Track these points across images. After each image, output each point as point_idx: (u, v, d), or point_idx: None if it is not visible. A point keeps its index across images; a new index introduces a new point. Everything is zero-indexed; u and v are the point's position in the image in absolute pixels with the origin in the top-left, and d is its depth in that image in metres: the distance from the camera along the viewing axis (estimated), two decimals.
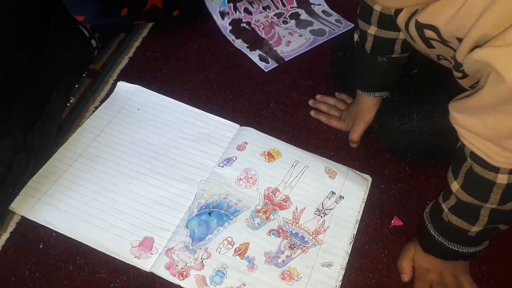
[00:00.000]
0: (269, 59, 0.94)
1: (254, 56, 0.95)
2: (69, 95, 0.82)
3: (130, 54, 0.93)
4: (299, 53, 0.96)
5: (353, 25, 1.03)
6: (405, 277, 0.66)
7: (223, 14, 0.99)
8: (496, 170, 0.51)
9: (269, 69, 0.93)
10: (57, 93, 0.75)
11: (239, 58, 0.94)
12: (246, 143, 0.78)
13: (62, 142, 0.76)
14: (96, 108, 0.82)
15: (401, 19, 0.58)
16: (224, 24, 0.99)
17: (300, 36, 1.00)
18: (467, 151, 0.53)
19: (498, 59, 0.41)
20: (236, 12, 1.00)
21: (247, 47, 0.96)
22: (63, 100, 0.78)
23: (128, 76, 0.89)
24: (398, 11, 0.58)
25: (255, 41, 0.97)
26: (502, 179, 0.51)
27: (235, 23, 1.00)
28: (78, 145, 0.76)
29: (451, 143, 0.59)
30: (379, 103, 0.78)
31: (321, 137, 0.82)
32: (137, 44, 0.95)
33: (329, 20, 1.04)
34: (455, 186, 0.57)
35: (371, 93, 0.77)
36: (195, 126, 0.80)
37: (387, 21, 0.67)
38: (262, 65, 0.93)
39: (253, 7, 1.02)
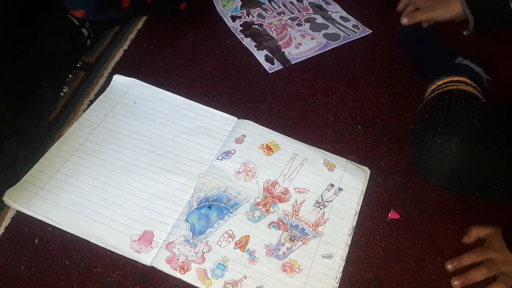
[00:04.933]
0: (275, 60, 0.92)
1: (260, 56, 0.93)
2: (63, 84, 0.81)
3: (125, 46, 0.91)
4: (308, 57, 0.94)
5: (371, 31, 1.01)
6: (466, 238, 0.69)
7: (234, 18, 0.98)
8: None
9: (273, 70, 0.90)
10: (48, 80, 0.74)
11: (235, 51, 0.94)
12: (244, 136, 0.78)
13: (58, 136, 0.75)
14: (91, 101, 0.81)
15: None
16: (234, 26, 0.98)
17: (312, 39, 0.97)
18: None
19: None
20: (248, 16, 0.99)
21: (255, 46, 0.94)
22: (56, 88, 0.78)
23: (123, 69, 0.88)
24: None
25: (263, 40, 0.95)
26: None
27: (246, 25, 0.98)
28: (75, 139, 0.75)
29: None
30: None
31: (318, 130, 0.82)
32: (132, 36, 0.93)
33: (346, 25, 1.02)
34: None
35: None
36: (193, 119, 0.80)
37: None
38: (266, 65, 0.91)
39: (266, 13, 1.00)
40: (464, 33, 0.82)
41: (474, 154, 0.67)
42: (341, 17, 1.04)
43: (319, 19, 1.02)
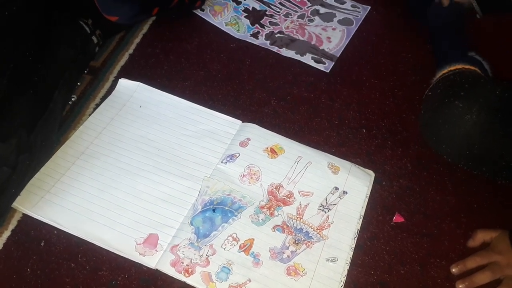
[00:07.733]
0: (323, 59, 0.93)
1: (308, 60, 0.93)
2: (71, 93, 0.82)
3: (131, 50, 0.92)
4: (344, 47, 0.96)
5: (369, 6, 1.05)
6: (471, 242, 0.69)
7: (255, 35, 0.98)
8: None
9: (329, 69, 0.92)
10: (59, 91, 0.74)
11: (240, 54, 0.94)
12: (249, 139, 0.78)
13: (64, 140, 0.76)
14: (97, 105, 0.82)
15: None
16: (262, 42, 0.97)
17: (334, 29, 1.00)
18: None
19: None
20: (265, 28, 0.99)
21: (296, 53, 0.94)
22: (65, 98, 0.78)
23: (129, 72, 0.88)
24: None
25: (298, 45, 0.96)
26: None
27: (270, 36, 0.98)
28: (80, 142, 0.75)
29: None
30: None
31: (322, 134, 0.82)
32: (137, 40, 0.94)
33: (346, 7, 1.04)
34: None
35: None
36: (197, 123, 0.80)
37: None
38: (321, 67, 0.92)
39: (275, 18, 1.01)
40: (478, 16, 0.84)
41: (493, 123, 0.66)
42: (336, 1, 1.06)
43: (321, 9, 1.04)
